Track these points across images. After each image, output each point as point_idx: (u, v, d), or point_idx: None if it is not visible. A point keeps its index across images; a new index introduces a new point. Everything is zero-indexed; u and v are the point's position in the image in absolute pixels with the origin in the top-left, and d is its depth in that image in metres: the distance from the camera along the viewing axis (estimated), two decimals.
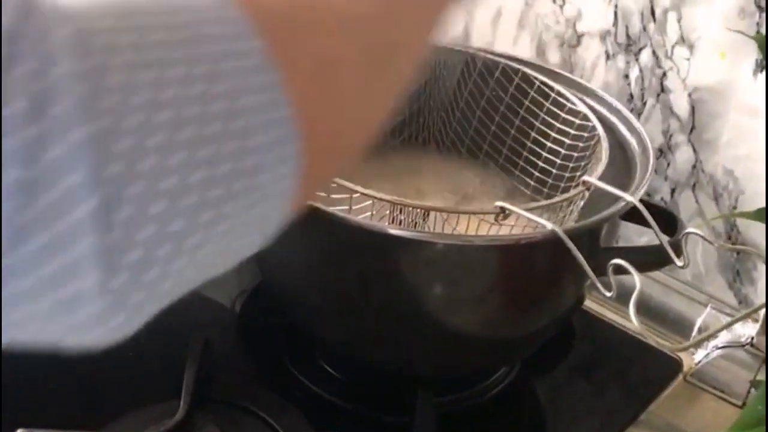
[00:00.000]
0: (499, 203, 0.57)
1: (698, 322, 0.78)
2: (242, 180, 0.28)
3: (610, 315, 0.79)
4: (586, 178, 0.62)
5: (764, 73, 0.70)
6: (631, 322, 0.53)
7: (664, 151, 0.79)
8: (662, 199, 0.79)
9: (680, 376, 0.75)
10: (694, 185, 0.79)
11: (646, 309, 0.77)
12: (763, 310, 0.71)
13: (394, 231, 0.58)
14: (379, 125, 0.35)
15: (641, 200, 0.61)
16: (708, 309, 0.78)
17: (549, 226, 0.57)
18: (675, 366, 0.75)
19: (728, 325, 0.62)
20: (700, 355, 0.76)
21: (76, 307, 0.25)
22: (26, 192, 0.23)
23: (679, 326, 0.78)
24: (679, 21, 0.75)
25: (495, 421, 0.71)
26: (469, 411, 0.70)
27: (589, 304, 0.79)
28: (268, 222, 0.31)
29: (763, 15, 0.69)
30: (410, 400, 0.66)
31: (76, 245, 0.24)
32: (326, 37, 0.31)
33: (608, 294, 0.55)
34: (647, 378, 0.75)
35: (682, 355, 0.76)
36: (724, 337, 0.76)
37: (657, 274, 0.80)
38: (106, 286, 0.25)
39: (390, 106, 0.35)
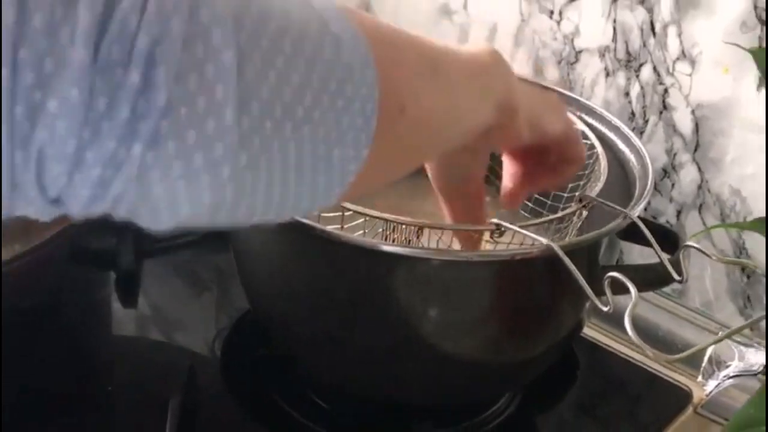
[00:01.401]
0: (495, 220, 0.65)
1: (708, 351, 0.86)
2: (323, 126, 0.43)
3: (616, 346, 0.88)
4: (584, 194, 0.70)
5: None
6: (628, 334, 0.60)
7: (668, 171, 0.89)
8: (667, 221, 0.88)
9: (690, 408, 0.83)
10: (700, 206, 0.88)
11: (655, 338, 0.86)
12: None
13: (386, 247, 0.65)
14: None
15: (642, 218, 0.69)
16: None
17: (545, 241, 0.64)
18: (685, 398, 0.84)
19: (719, 340, 0.70)
20: (711, 385, 0.85)
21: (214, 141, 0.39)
22: None
23: (689, 356, 0.85)
24: (679, 36, 0.85)
25: None
26: None
27: (593, 334, 0.88)
28: (325, 185, 0.45)
29: (764, 29, 0.79)
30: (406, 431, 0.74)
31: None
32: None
33: (605, 309, 0.63)
34: (656, 411, 0.84)
35: (693, 387, 0.85)
36: (735, 367, 0.85)
37: (665, 302, 0.91)
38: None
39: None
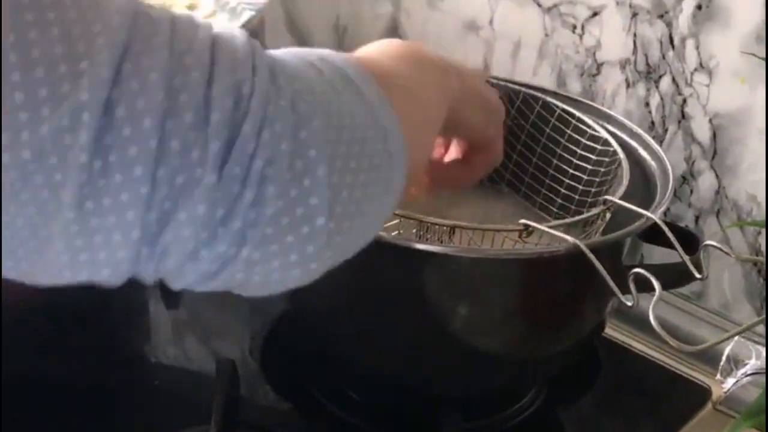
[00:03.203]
0: (523, 221, 0.67)
1: (726, 351, 0.87)
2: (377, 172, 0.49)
3: (637, 345, 0.89)
4: (607, 197, 0.72)
5: None
6: (649, 333, 0.63)
7: (687, 178, 0.90)
8: (686, 226, 0.88)
9: (709, 404, 0.84)
10: (718, 211, 0.89)
11: (675, 338, 0.86)
12: None
13: (420, 246, 0.67)
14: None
15: (663, 221, 0.70)
16: (736, 337, 0.85)
17: (572, 240, 0.65)
18: (704, 394, 0.85)
19: (734, 335, 0.71)
20: (729, 383, 0.86)
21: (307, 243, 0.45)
22: None
23: (708, 355, 0.87)
24: (697, 48, 0.86)
25: None
26: None
27: (615, 334, 0.90)
28: (386, 207, 0.52)
29: None
30: (436, 423, 0.75)
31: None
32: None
33: (629, 304, 0.64)
34: (676, 407, 0.85)
35: (711, 384, 0.86)
36: (752, 365, 0.86)
37: (685, 303, 0.92)
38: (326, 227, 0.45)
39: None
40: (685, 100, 0.89)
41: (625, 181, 0.74)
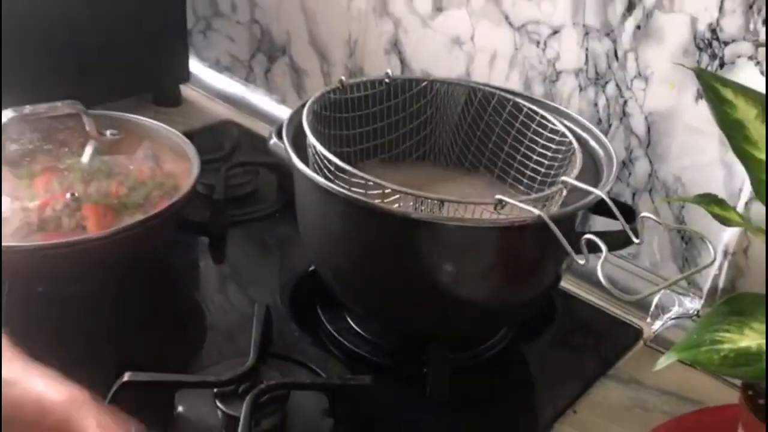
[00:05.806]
0: (498, 196, 0.69)
1: (655, 300, 0.90)
2: None
3: (584, 295, 0.92)
4: (563, 178, 0.73)
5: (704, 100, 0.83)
6: (596, 287, 0.65)
7: (626, 163, 0.91)
8: (625, 201, 0.88)
9: (642, 342, 0.87)
10: (650, 190, 0.90)
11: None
12: (707, 286, 0.86)
13: (416, 215, 0.69)
14: None
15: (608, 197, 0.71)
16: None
17: (536, 212, 0.68)
18: (637, 334, 0.88)
19: (663, 288, 0.75)
20: (657, 325, 0.89)
21: None
22: None
23: (641, 303, 0.90)
24: (636, 60, 0.87)
25: (492, 375, 0.82)
26: (472, 367, 0.82)
27: (569, 286, 0.92)
28: None
29: (702, 54, 0.81)
30: (426, 355, 0.78)
31: None
32: None
33: (582, 262, 0.66)
34: (615, 344, 0.87)
35: (643, 326, 0.89)
36: (675, 311, 0.89)
37: (623, 262, 0.93)
38: None
39: None
40: (626, 102, 0.89)
41: (579, 165, 0.76)
